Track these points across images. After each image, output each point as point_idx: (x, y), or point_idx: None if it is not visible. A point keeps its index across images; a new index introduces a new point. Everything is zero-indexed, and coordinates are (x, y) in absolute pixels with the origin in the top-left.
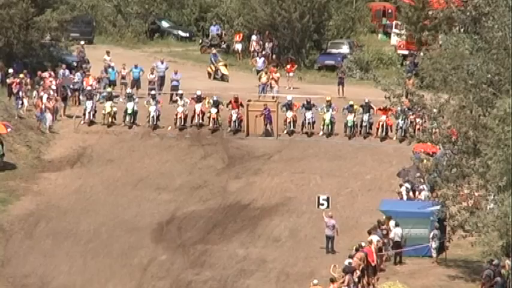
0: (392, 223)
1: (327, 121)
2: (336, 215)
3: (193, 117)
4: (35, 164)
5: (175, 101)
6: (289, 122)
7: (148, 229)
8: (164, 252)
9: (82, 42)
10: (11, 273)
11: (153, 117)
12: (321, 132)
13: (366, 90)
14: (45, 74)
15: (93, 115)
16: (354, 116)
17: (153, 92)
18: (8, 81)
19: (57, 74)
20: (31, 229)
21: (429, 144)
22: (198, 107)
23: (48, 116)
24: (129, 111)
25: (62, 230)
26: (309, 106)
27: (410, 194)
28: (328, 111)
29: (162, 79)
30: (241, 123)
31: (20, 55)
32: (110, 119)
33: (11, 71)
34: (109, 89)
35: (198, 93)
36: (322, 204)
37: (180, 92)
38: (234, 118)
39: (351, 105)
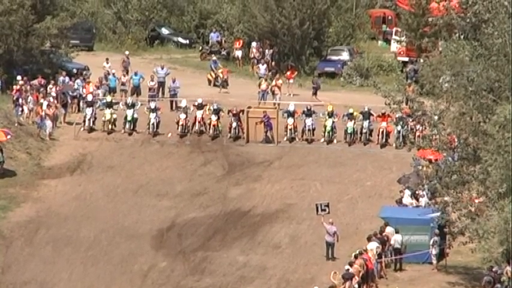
0: (389, 229)
1: (328, 128)
2: (336, 222)
3: (193, 124)
4: (35, 171)
5: (178, 108)
6: (290, 129)
7: (149, 236)
8: (164, 259)
9: (127, 52)
10: (11, 280)
11: (153, 124)
12: (322, 139)
13: (366, 97)
14: (34, 82)
15: (93, 122)
16: (354, 122)
17: (152, 100)
18: (15, 87)
19: (57, 81)
20: (31, 236)
21: (431, 151)
22: (199, 114)
23: (48, 123)
24: (129, 118)
25: (62, 236)
26: (309, 113)
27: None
28: (330, 117)
29: (162, 85)
30: (242, 130)
31: (20, 62)
32: (110, 126)
33: (18, 77)
34: (109, 98)
35: (199, 101)
36: (324, 210)
37: (183, 104)
38: (234, 125)
39: (351, 113)
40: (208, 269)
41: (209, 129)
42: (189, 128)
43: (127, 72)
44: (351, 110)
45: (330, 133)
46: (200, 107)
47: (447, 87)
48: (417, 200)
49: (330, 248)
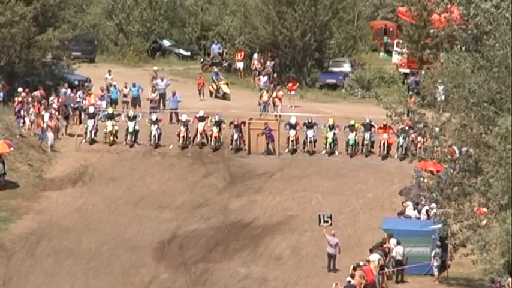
0: (393, 241)
1: (330, 140)
2: (338, 234)
3: (195, 136)
4: (37, 182)
5: (179, 121)
6: (292, 141)
7: (150, 248)
8: (166, 270)
9: (155, 68)
10: None
11: (154, 136)
12: (324, 151)
13: (367, 109)
14: (36, 93)
15: (95, 134)
16: (356, 134)
17: (154, 112)
18: (17, 99)
19: (59, 93)
20: (33, 248)
21: (432, 162)
22: (200, 126)
23: (50, 134)
24: (131, 129)
25: (63, 248)
26: (310, 125)
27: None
28: (331, 130)
29: (163, 96)
30: (243, 141)
31: (21, 74)
32: (111, 138)
33: (20, 89)
34: (110, 109)
35: (201, 113)
36: (327, 221)
37: (183, 118)
38: (235, 137)
39: (352, 125)
40: (209, 281)
41: (210, 140)
42: (190, 139)
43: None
44: (352, 122)
45: (332, 145)
46: (202, 119)
47: (443, 99)
48: (419, 212)
49: (332, 259)
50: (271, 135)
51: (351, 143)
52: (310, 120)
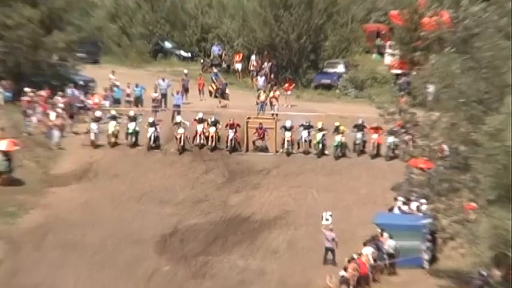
0: (386, 235)
1: (317, 140)
2: (333, 228)
3: (194, 137)
4: (43, 179)
5: (177, 123)
6: (288, 141)
7: (152, 241)
8: (167, 263)
9: (185, 71)
10: (20, 283)
11: (149, 137)
12: (315, 151)
13: (360, 108)
14: (42, 93)
15: (99, 136)
16: (342, 136)
17: (155, 111)
18: (24, 99)
19: (66, 93)
20: (39, 241)
21: (423, 160)
22: (199, 127)
23: (56, 133)
24: (130, 130)
25: (69, 242)
26: (307, 127)
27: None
28: (320, 132)
29: (164, 96)
30: (238, 143)
31: (28, 74)
32: (112, 139)
33: (27, 89)
34: (113, 111)
35: (200, 115)
36: (328, 220)
37: (178, 119)
38: (230, 137)
39: (337, 127)
40: (209, 273)
41: (211, 141)
42: (189, 141)
43: (187, 91)
44: (336, 124)
45: (319, 145)
46: (201, 121)
47: (431, 99)
48: (409, 207)
49: (330, 253)
50: (263, 132)
51: (335, 144)
52: (308, 123)
